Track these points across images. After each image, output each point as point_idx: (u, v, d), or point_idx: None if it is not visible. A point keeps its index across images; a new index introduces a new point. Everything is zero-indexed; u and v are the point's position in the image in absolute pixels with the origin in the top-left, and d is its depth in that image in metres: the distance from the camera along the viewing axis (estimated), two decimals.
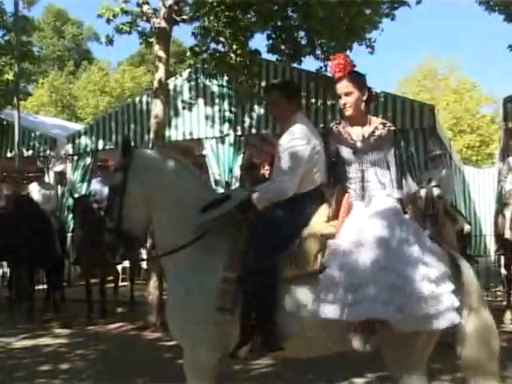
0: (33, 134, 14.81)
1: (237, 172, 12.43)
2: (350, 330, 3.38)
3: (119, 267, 12.07)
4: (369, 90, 3.91)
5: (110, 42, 10.70)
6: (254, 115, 12.59)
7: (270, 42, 11.00)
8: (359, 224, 3.55)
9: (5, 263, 12.50)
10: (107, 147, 13.78)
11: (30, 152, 14.67)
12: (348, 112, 3.82)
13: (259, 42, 11.57)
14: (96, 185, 10.96)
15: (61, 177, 13.59)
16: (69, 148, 14.42)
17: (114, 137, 13.84)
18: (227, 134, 12.79)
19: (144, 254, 8.91)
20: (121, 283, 11.90)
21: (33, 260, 9.95)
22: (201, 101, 13.07)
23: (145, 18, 10.07)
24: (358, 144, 3.79)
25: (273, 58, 11.65)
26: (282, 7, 10.42)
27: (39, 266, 10.87)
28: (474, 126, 33.95)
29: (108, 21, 10.13)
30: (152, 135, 9.69)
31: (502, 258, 9.64)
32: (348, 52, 11.23)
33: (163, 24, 9.58)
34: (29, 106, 33.76)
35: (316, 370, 5.91)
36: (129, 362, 6.92)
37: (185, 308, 3.75)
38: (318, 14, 9.99)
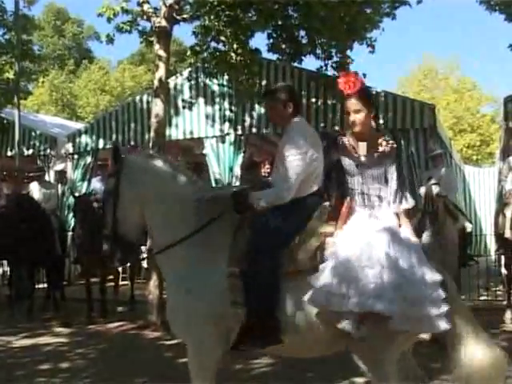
0: (33, 133, 14.81)
1: (237, 171, 12.42)
2: (342, 320, 3.51)
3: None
4: (375, 108, 4.07)
5: (110, 40, 10.70)
6: (255, 114, 12.59)
7: (271, 41, 11.01)
8: (360, 225, 3.71)
9: (5, 262, 12.51)
10: (107, 146, 13.76)
11: (31, 151, 14.67)
12: (356, 129, 3.96)
13: (260, 41, 11.67)
14: (96, 184, 10.96)
15: (61, 176, 13.58)
16: (69, 147, 14.43)
17: (114, 136, 13.84)
18: (227, 133, 12.79)
19: (145, 253, 8.91)
20: (121, 282, 11.90)
21: (33, 259, 9.95)
22: (201, 100, 13.07)
23: (145, 17, 10.06)
24: (362, 158, 3.94)
25: (273, 57, 11.66)
26: (282, 6, 10.42)
27: (39, 265, 10.87)
28: (475, 126, 33.97)
29: (108, 20, 10.11)
30: (152, 134, 9.68)
31: (503, 257, 9.64)
32: (348, 51, 11.29)
33: (163, 23, 9.58)
34: (29, 105, 33.76)
35: (316, 369, 5.92)
36: (129, 361, 6.93)
37: (187, 306, 3.81)
38: (318, 13, 9.98)
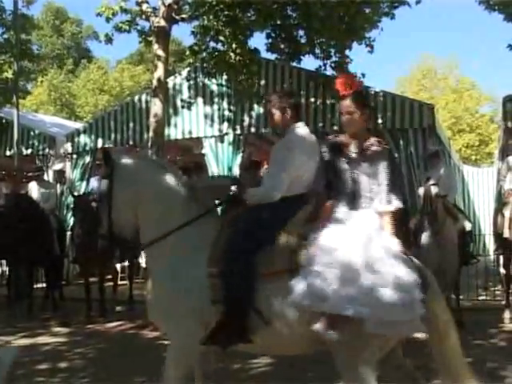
0: (32, 133, 14.79)
1: (236, 171, 12.42)
2: (314, 322, 3.58)
3: (118, 266, 12.06)
4: (370, 109, 4.23)
5: (109, 40, 10.70)
6: (254, 114, 12.59)
7: (270, 40, 11.02)
8: (339, 227, 3.76)
9: (4, 262, 12.51)
10: (106, 146, 13.77)
11: (29, 150, 14.65)
12: (348, 130, 4.09)
13: (259, 40, 11.69)
14: (95, 183, 10.93)
15: (60, 175, 13.58)
16: (68, 146, 14.42)
17: (113, 135, 13.84)
18: (226, 133, 12.80)
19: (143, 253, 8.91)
20: (120, 282, 11.89)
21: (32, 259, 9.94)
22: (200, 100, 13.07)
23: (144, 17, 10.07)
24: (353, 155, 4.04)
25: (272, 56, 11.68)
26: (281, 6, 10.42)
27: (38, 265, 10.87)
28: (474, 126, 34.00)
29: (107, 19, 10.12)
30: (151, 134, 9.68)
31: (501, 257, 9.65)
32: (347, 51, 11.29)
33: (162, 23, 9.58)
34: (28, 105, 33.73)
35: (316, 369, 5.91)
36: (128, 361, 6.92)
37: (171, 300, 3.96)
38: (317, 12, 9.99)
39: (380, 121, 11.48)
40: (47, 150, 14.56)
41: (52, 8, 44.16)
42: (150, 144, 9.68)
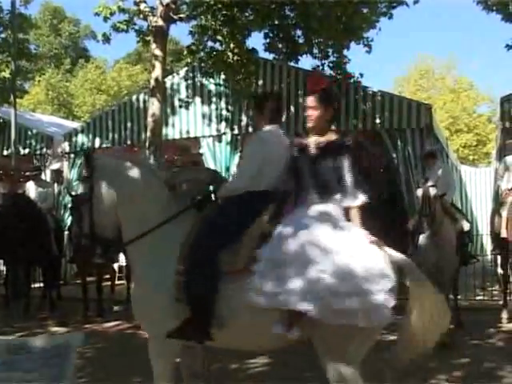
0: (29, 132, 14.77)
1: (233, 170, 12.41)
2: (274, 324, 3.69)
3: (116, 266, 12.05)
4: (333, 109, 4.27)
5: (106, 40, 10.69)
6: (251, 114, 12.57)
7: (268, 40, 11.03)
8: (301, 222, 3.83)
9: (1, 261, 12.48)
10: (104, 145, 13.77)
11: (27, 150, 14.63)
12: (309, 124, 4.21)
13: (256, 40, 11.65)
14: None
15: (57, 175, 13.57)
16: (65, 146, 14.39)
17: (110, 135, 13.83)
18: (224, 133, 12.79)
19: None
20: (117, 282, 11.88)
21: (29, 258, 9.93)
22: (198, 99, 13.06)
23: (142, 17, 10.07)
24: (314, 151, 4.13)
25: (270, 56, 11.68)
26: (279, 6, 10.43)
27: (36, 265, 10.86)
28: (471, 126, 34.04)
29: (105, 19, 10.12)
30: (149, 133, 9.68)
31: (499, 257, 9.65)
32: (345, 51, 11.30)
33: (160, 22, 9.58)
34: (25, 104, 33.69)
35: (314, 369, 5.91)
36: (125, 361, 6.91)
37: (146, 298, 4.11)
38: (315, 12, 10.00)
39: (378, 121, 11.48)
40: (45, 150, 14.54)
41: (50, 7, 44.09)
42: (147, 144, 9.67)
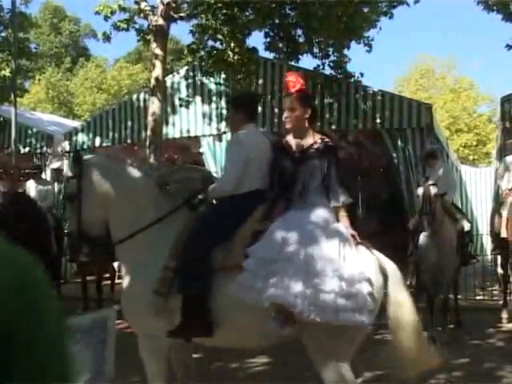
0: (29, 131, 14.77)
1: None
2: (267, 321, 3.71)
3: (116, 264, 12.04)
4: (313, 110, 4.30)
5: (107, 39, 10.69)
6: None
7: (268, 39, 11.01)
8: (289, 222, 3.90)
9: None
10: (104, 144, 13.77)
11: (27, 149, 14.64)
12: (288, 125, 4.23)
13: (257, 39, 11.68)
14: None
15: (57, 174, 13.53)
16: (66, 145, 14.40)
17: (111, 134, 13.82)
18: (224, 132, 12.77)
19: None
20: (117, 280, 11.87)
21: None
22: (198, 98, 13.06)
23: (142, 16, 10.06)
24: (297, 154, 4.16)
25: (270, 56, 11.67)
26: (279, 5, 10.42)
27: None
28: (471, 125, 34.03)
29: (105, 18, 10.11)
30: (149, 133, 9.68)
31: (499, 257, 9.65)
32: (346, 50, 11.28)
33: (161, 21, 9.57)
34: (25, 103, 33.70)
35: (313, 368, 5.91)
36: (124, 360, 6.90)
37: (136, 296, 4.13)
38: (316, 12, 9.99)
39: (378, 120, 11.48)
40: (45, 149, 14.54)
41: (50, 6, 44.09)
42: (147, 143, 9.67)
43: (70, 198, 4.39)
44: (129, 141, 13.65)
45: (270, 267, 3.70)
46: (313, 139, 4.17)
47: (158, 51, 9.63)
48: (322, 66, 11.35)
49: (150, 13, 9.72)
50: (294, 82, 4.27)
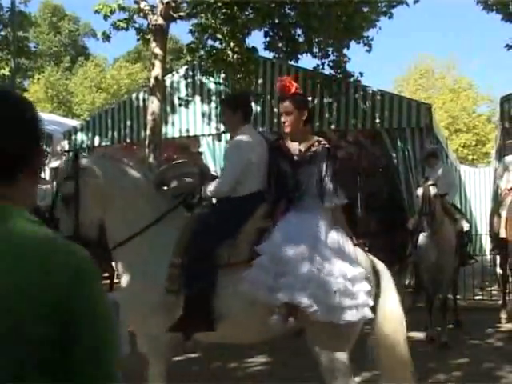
0: None
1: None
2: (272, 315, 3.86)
3: (114, 264, 12.04)
4: (309, 111, 4.47)
5: (106, 38, 10.67)
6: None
7: (268, 39, 10.99)
8: (290, 223, 4.06)
9: None
10: (103, 144, 13.75)
11: None
12: (287, 130, 4.33)
13: (256, 39, 11.61)
14: None
15: (57, 173, 13.55)
16: (65, 144, 14.37)
17: (110, 133, 13.80)
18: (223, 132, 12.74)
19: None
20: (116, 280, 11.86)
21: None
22: (197, 98, 13.04)
23: (142, 15, 10.05)
24: (295, 157, 4.29)
25: (270, 55, 11.65)
26: (279, 5, 10.42)
27: None
28: (471, 125, 34.04)
29: (105, 17, 10.10)
30: (148, 132, 9.67)
31: (498, 257, 9.65)
32: (345, 50, 11.28)
33: (160, 21, 9.56)
34: None
35: (312, 368, 5.91)
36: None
37: (136, 293, 4.16)
38: (315, 11, 9.98)
39: (377, 120, 11.47)
40: (44, 148, 14.51)
41: (49, 5, 44.07)
42: (147, 142, 9.66)
43: (65, 200, 4.28)
44: (128, 140, 13.63)
45: (285, 267, 3.84)
46: (310, 142, 4.29)
47: (158, 50, 9.62)
48: (321, 66, 11.33)
49: (150, 12, 9.71)
50: (288, 86, 4.36)
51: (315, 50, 11.22)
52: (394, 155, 11.47)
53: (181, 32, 45.82)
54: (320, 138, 4.36)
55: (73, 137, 14.30)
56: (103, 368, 1.33)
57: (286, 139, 4.39)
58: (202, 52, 11.11)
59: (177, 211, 4.38)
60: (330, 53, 11.25)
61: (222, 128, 12.74)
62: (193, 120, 13.11)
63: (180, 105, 12.81)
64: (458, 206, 12.16)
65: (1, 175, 1.41)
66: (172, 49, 27.62)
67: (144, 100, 13.00)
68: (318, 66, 11.41)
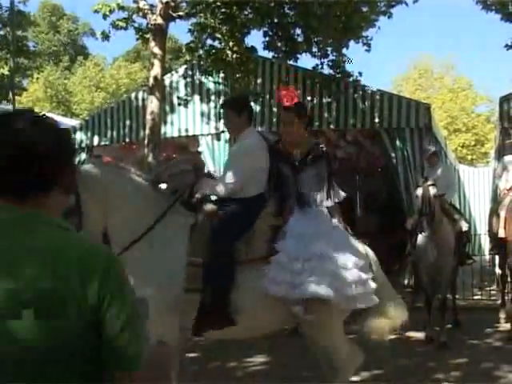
0: None
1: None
2: (293, 306, 4.16)
3: None
4: (308, 117, 4.79)
5: (105, 37, 10.67)
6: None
7: (267, 39, 10.98)
8: (302, 221, 4.35)
9: None
10: (102, 143, 13.73)
11: None
12: (288, 139, 4.59)
13: (256, 38, 11.59)
14: None
15: None
16: None
17: (109, 133, 13.79)
18: (223, 131, 12.74)
19: None
20: None
21: None
22: (196, 97, 13.03)
23: (141, 14, 10.04)
24: (296, 163, 4.55)
25: (269, 55, 11.63)
26: (278, 4, 10.41)
27: None
28: (470, 125, 34.05)
29: (104, 16, 10.09)
30: (147, 131, 9.67)
31: (497, 257, 9.65)
32: (344, 50, 11.28)
33: (159, 20, 9.55)
34: (24, 101, 33.59)
35: (311, 368, 5.91)
36: None
37: (149, 295, 3.96)
38: (314, 11, 9.98)
39: (377, 120, 11.47)
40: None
41: (48, 5, 44.06)
42: (146, 142, 9.66)
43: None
44: (127, 140, 13.62)
45: (307, 264, 4.12)
46: (310, 146, 4.57)
47: (157, 50, 9.62)
48: (320, 66, 11.33)
49: (149, 11, 9.70)
50: (289, 96, 4.55)
51: (314, 49, 11.21)
52: (393, 155, 11.46)
53: (180, 31, 45.91)
54: (318, 141, 4.68)
55: (72, 136, 14.27)
56: (132, 348, 1.58)
57: (286, 144, 4.60)
58: (201, 51, 11.11)
59: (175, 211, 4.39)
60: (329, 52, 11.25)
61: (221, 127, 12.74)
62: (192, 119, 13.11)
63: (179, 104, 12.80)
64: (457, 205, 12.18)
65: (40, 186, 1.65)
66: (171, 48, 27.66)
67: (143, 99, 12.99)
68: (317, 65, 11.41)
